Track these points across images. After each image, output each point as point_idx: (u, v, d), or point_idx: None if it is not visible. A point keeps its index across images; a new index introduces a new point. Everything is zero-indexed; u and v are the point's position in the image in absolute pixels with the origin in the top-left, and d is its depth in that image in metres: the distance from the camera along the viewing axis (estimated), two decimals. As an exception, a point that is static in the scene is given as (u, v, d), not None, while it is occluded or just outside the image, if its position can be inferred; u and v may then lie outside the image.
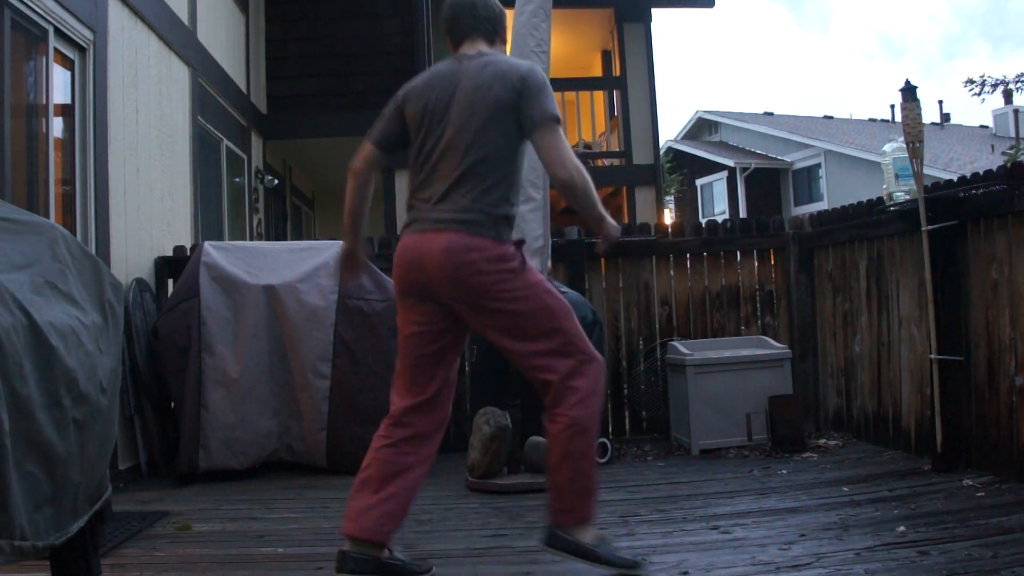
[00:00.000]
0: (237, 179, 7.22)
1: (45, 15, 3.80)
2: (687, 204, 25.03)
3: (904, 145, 3.97)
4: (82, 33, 4.13)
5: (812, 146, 22.76)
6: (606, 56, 11.98)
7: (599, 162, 10.64)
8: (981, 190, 3.75)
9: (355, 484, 2.51)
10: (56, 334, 1.95)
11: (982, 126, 28.21)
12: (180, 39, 5.57)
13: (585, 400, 2.44)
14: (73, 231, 4.09)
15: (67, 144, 4.17)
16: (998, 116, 25.83)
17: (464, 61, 2.59)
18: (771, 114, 27.60)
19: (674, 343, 5.06)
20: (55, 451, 1.88)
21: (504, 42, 2.70)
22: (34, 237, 2.18)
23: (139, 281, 4.65)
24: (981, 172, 3.81)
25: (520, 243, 2.56)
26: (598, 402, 2.49)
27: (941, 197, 3.94)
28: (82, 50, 4.19)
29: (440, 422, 2.59)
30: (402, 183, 8.00)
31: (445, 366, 2.59)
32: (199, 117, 5.97)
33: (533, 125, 2.45)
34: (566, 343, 2.47)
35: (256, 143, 7.74)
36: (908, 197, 4.10)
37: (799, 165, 23.25)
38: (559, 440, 2.44)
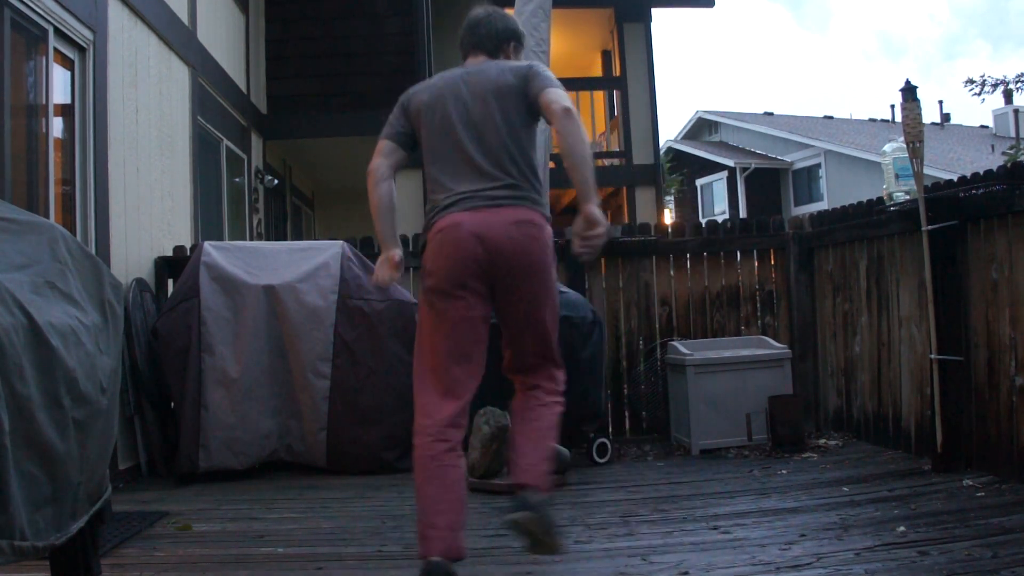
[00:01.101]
0: (237, 179, 7.22)
1: (45, 15, 3.80)
2: (687, 204, 25.01)
3: (904, 145, 3.97)
4: (82, 33, 4.13)
5: (812, 146, 22.74)
6: (606, 56, 11.99)
7: (599, 162, 10.64)
8: (981, 190, 3.75)
9: (434, 508, 2.33)
10: (56, 334, 1.95)
11: (982, 126, 28.18)
12: (180, 39, 5.57)
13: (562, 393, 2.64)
14: (73, 231, 4.09)
15: (67, 144, 4.17)
16: (998, 116, 25.80)
17: (468, 67, 2.72)
18: (771, 114, 27.55)
19: (674, 343, 5.06)
20: (55, 451, 1.88)
21: (509, 58, 2.77)
22: (34, 237, 2.18)
23: (139, 281, 4.65)
24: (981, 172, 3.81)
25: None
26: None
27: (941, 197, 3.94)
28: (82, 50, 4.19)
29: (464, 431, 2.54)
30: (402, 181, 7.99)
31: (482, 364, 2.55)
32: (199, 117, 5.97)
33: (540, 88, 2.50)
34: (555, 341, 2.63)
35: (256, 143, 7.74)
36: (908, 197, 4.10)
37: (799, 165, 23.24)
38: (551, 417, 2.57)
